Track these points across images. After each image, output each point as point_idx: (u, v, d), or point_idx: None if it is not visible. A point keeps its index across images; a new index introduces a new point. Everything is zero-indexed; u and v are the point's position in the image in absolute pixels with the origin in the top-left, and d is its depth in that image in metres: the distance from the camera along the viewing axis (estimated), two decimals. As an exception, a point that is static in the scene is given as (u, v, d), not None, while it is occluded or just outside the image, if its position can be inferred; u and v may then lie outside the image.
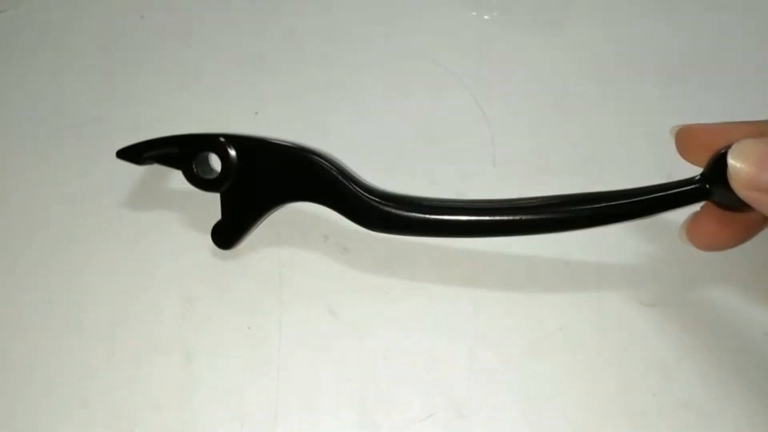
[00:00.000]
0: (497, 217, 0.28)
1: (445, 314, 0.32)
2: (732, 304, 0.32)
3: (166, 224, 0.35)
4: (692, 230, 0.28)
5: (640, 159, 0.35)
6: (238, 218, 0.32)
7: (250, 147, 0.31)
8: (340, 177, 0.30)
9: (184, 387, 0.32)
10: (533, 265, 0.33)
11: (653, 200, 0.27)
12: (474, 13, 0.38)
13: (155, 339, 0.33)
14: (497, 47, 0.37)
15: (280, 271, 0.33)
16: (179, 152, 0.32)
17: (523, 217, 0.28)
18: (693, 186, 0.26)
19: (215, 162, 0.32)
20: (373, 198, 0.30)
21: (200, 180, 0.32)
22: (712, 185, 0.26)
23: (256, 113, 0.36)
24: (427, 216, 0.29)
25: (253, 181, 0.31)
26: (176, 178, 0.35)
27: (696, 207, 0.28)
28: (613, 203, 0.27)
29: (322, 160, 0.31)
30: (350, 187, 0.30)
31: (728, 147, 0.24)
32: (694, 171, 0.26)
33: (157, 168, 0.35)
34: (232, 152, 0.31)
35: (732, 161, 0.23)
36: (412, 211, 0.29)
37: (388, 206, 0.30)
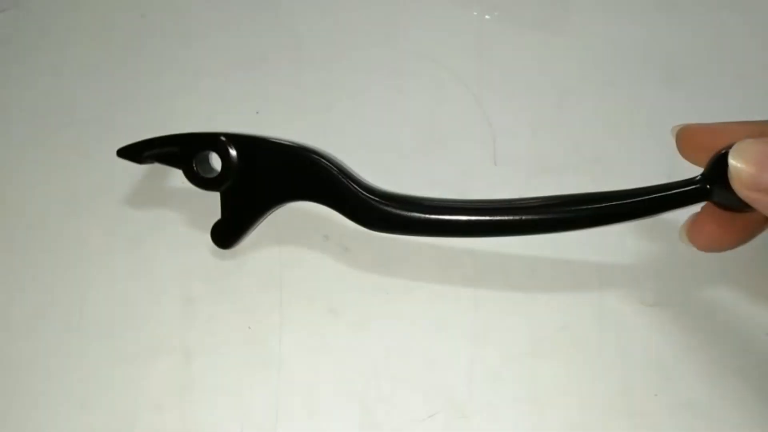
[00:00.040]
0: (498, 217, 0.28)
1: (445, 314, 0.32)
2: (733, 304, 0.32)
3: (166, 224, 0.35)
4: (692, 231, 0.28)
5: (640, 159, 0.35)
6: (238, 217, 0.32)
7: (251, 146, 0.31)
8: (340, 176, 0.30)
9: (184, 387, 0.32)
10: (534, 265, 0.33)
11: (654, 200, 0.27)
12: (475, 13, 0.38)
13: (155, 339, 0.33)
14: (498, 47, 0.37)
15: (280, 270, 0.33)
16: (180, 151, 0.32)
17: (524, 217, 0.28)
18: (693, 186, 0.26)
19: (215, 161, 0.32)
20: (374, 198, 0.30)
21: (200, 179, 0.32)
22: (712, 185, 0.26)
23: (257, 113, 0.36)
24: (428, 216, 0.29)
25: (254, 180, 0.31)
26: (176, 177, 0.35)
27: (696, 208, 0.28)
28: (614, 203, 0.27)
29: (322, 160, 0.31)
30: (351, 186, 0.30)
31: (729, 147, 0.24)
32: (694, 171, 0.26)
33: (157, 167, 0.35)
34: (233, 151, 0.31)
35: (733, 161, 0.23)
36: (412, 211, 0.29)
37: (389, 206, 0.30)
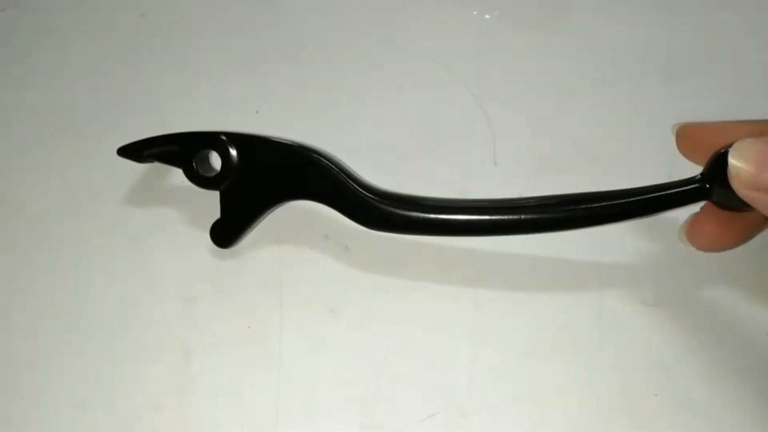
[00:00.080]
0: (497, 217, 0.28)
1: (445, 314, 0.32)
2: (733, 304, 0.32)
3: (166, 224, 0.35)
4: (691, 231, 0.28)
5: (640, 158, 0.35)
6: (238, 217, 0.32)
7: (251, 145, 0.31)
8: (340, 175, 0.30)
9: (184, 387, 0.32)
10: (534, 265, 0.33)
11: (653, 200, 0.27)
12: (475, 12, 0.38)
13: (155, 338, 0.33)
14: (498, 46, 0.37)
15: (280, 270, 0.33)
16: (180, 150, 0.32)
17: (523, 217, 0.28)
18: (693, 186, 0.26)
19: (215, 160, 0.32)
20: (373, 197, 0.30)
21: (200, 178, 0.32)
22: (712, 185, 0.26)
23: (257, 112, 0.36)
24: (427, 215, 0.29)
25: (253, 179, 0.31)
26: (176, 177, 0.35)
27: (696, 207, 0.28)
28: (613, 203, 0.28)
29: (322, 159, 0.31)
30: (350, 185, 0.30)
31: (728, 147, 0.24)
32: (695, 171, 0.26)
33: (157, 167, 0.35)
34: (233, 150, 0.31)
35: (732, 160, 0.23)
36: (412, 210, 0.29)
37: (388, 205, 0.30)
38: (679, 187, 0.26)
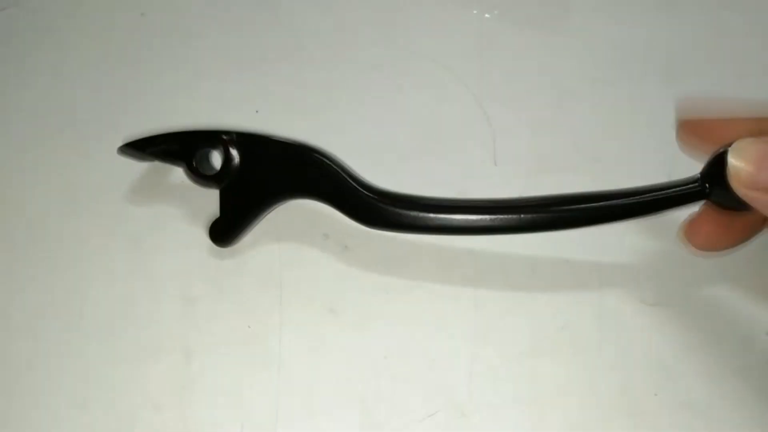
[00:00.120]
0: (496, 216, 0.29)
1: (445, 313, 0.32)
2: (733, 303, 0.32)
3: (166, 223, 0.35)
4: (690, 232, 0.29)
5: (641, 158, 0.35)
6: (237, 215, 0.32)
7: (251, 143, 0.31)
8: (340, 174, 0.31)
9: (184, 386, 0.32)
10: (534, 265, 0.33)
11: (652, 200, 0.27)
12: (475, 12, 0.38)
13: (155, 338, 0.33)
14: (498, 46, 0.37)
15: (280, 269, 0.33)
16: (180, 148, 0.32)
17: (521, 216, 0.28)
18: (692, 186, 0.26)
19: (216, 158, 0.32)
20: (373, 196, 0.30)
21: (201, 176, 0.32)
22: (711, 185, 0.26)
23: (257, 112, 0.36)
24: (427, 214, 0.29)
25: (254, 177, 0.31)
26: (176, 177, 0.35)
27: (695, 208, 0.28)
28: (612, 203, 0.28)
29: (323, 157, 0.31)
30: (350, 183, 0.30)
31: (727, 147, 0.24)
32: (695, 169, 0.27)
33: (157, 167, 0.35)
34: (233, 148, 0.31)
35: (732, 160, 0.23)
36: (411, 210, 0.30)
37: (388, 204, 0.30)
38: (679, 187, 0.26)
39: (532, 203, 0.29)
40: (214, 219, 0.32)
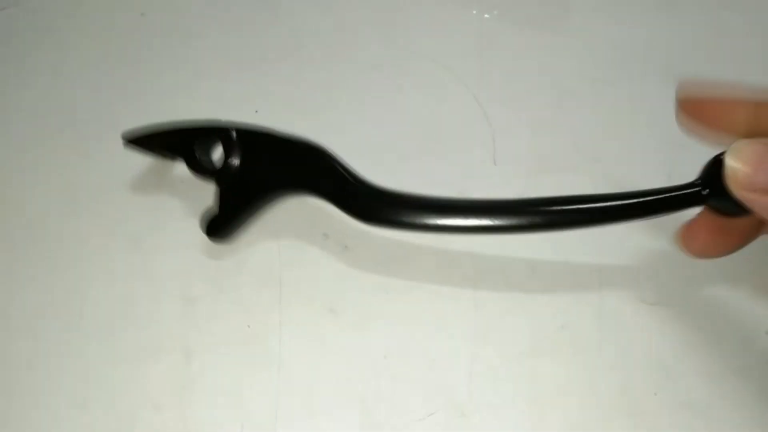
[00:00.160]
0: (492, 215, 0.29)
1: (445, 313, 0.32)
2: (733, 302, 0.32)
3: (166, 223, 0.35)
4: (687, 237, 0.29)
5: (640, 158, 0.35)
6: (234, 210, 0.32)
7: (251, 138, 0.31)
8: (338, 169, 0.31)
9: (183, 386, 0.32)
10: (534, 265, 0.33)
11: (649, 203, 0.27)
12: (474, 12, 0.38)
13: (155, 338, 0.33)
14: (498, 46, 0.37)
15: (280, 269, 0.33)
16: (181, 141, 0.32)
17: (516, 216, 0.28)
18: (690, 190, 0.26)
19: (216, 152, 0.32)
20: (370, 191, 0.30)
21: (201, 168, 0.32)
22: (708, 188, 0.26)
23: (256, 112, 0.36)
24: (423, 211, 0.29)
25: (252, 171, 0.31)
26: (176, 177, 0.35)
27: (692, 213, 0.28)
28: (608, 205, 0.27)
29: (320, 153, 0.31)
30: (348, 179, 0.30)
31: (724, 151, 0.24)
32: (695, 169, 0.26)
33: (157, 167, 0.35)
34: (233, 143, 0.31)
35: (729, 161, 0.23)
36: (408, 206, 0.30)
37: (385, 200, 0.30)
38: (676, 191, 0.26)
39: (525, 204, 0.29)
40: (209, 213, 0.32)
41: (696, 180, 0.26)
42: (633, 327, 0.32)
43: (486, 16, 0.38)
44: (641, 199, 0.27)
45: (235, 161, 0.31)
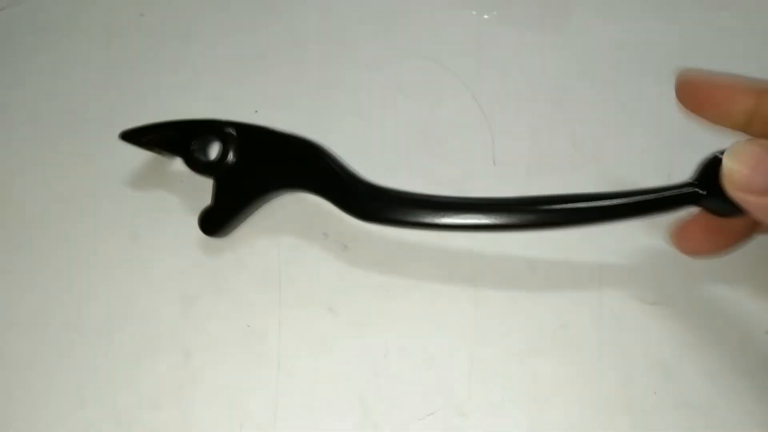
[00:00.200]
0: (490, 213, 0.29)
1: (445, 312, 0.32)
2: (733, 302, 0.32)
3: (165, 223, 0.35)
4: (680, 236, 0.28)
5: (640, 159, 0.35)
6: (230, 205, 0.32)
7: (249, 134, 0.31)
8: (334, 167, 0.31)
9: (183, 386, 0.32)
10: (533, 265, 0.33)
11: (644, 203, 0.27)
12: (474, 13, 0.38)
13: (154, 338, 0.33)
14: (497, 46, 0.37)
15: (279, 268, 0.33)
16: (179, 137, 0.32)
17: (515, 214, 0.28)
18: (685, 189, 0.26)
19: (214, 148, 0.32)
20: (367, 189, 0.30)
21: (199, 164, 0.32)
22: (705, 189, 0.26)
23: (256, 112, 0.36)
24: (419, 208, 0.29)
25: (249, 168, 0.31)
26: (175, 176, 0.35)
27: (687, 210, 0.28)
28: (603, 204, 0.27)
29: (317, 150, 0.31)
30: (344, 176, 0.30)
31: (721, 152, 0.24)
32: (693, 169, 0.26)
33: (156, 167, 0.35)
34: (231, 139, 0.31)
35: (727, 162, 0.23)
36: (405, 203, 0.30)
37: (382, 197, 0.30)
38: (672, 190, 0.26)
39: (520, 202, 0.29)
40: (205, 208, 0.32)
41: (692, 180, 0.26)
42: (632, 326, 0.32)
43: (485, 16, 0.38)
44: (636, 199, 0.27)
45: (232, 156, 0.31)
